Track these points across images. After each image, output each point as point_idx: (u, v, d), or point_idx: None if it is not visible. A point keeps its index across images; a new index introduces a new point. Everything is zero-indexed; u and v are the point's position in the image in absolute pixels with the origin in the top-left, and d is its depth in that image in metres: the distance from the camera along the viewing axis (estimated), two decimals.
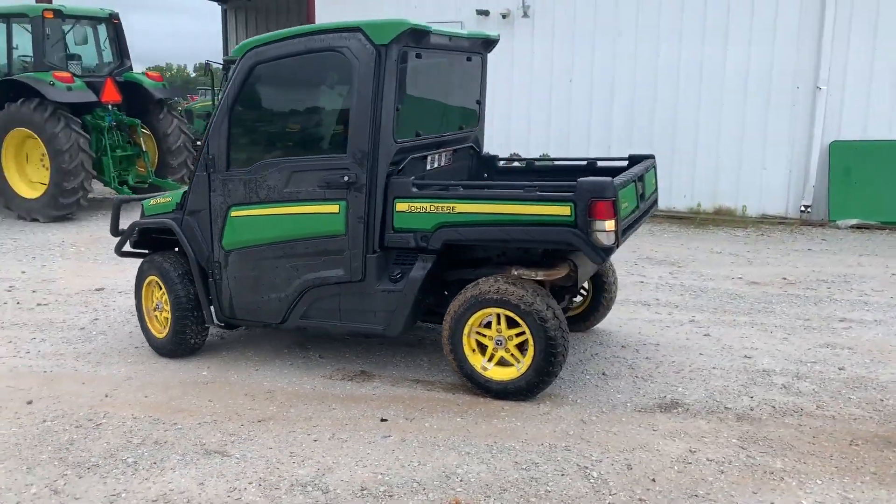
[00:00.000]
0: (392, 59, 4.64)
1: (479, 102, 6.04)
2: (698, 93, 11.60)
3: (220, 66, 18.04)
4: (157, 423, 4.53)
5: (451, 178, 5.69)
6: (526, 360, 4.68)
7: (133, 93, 12.11)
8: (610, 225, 4.39)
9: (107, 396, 4.95)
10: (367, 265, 4.84)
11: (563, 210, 4.43)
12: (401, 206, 4.79)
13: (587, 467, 3.93)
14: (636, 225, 5.09)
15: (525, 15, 12.66)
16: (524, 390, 4.71)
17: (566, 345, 4.66)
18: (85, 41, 12.07)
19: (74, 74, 11.38)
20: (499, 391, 4.76)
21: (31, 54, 11.30)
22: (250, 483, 3.83)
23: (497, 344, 4.76)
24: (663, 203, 11.93)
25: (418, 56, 4.98)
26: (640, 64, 11.97)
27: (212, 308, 5.40)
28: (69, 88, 10.94)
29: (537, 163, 6.37)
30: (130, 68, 12.48)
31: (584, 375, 5.19)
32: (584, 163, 5.90)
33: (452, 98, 5.81)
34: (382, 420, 4.52)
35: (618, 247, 4.49)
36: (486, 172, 6.15)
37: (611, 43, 12.09)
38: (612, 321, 6.37)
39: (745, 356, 5.57)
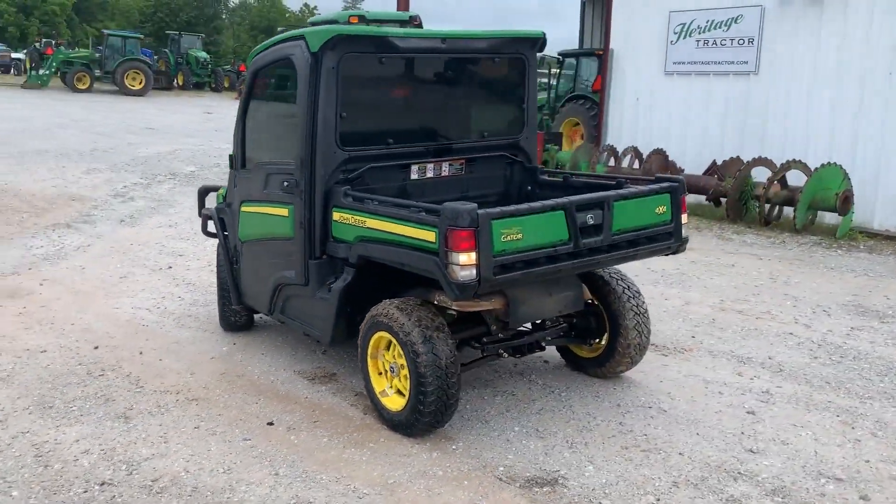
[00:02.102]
0: (327, 66, 4.61)
1: (522, 108, 5.51)
2: None
3: (556, 60, 18.49)
4: (132, 384, 5.26)
5: (467, 189, 5.36)
6: (408, 395, 4.33)
7: None
8: (466, 259, 3.84)
9: (140, 354, 5.85)
10: (308, 270, 4.91)
11: (430, 236, 3.99)
12: (336, 216, 4.75)
13: None
14: (583, 262, 4.27)
15: None
16: (404, 426, 4.37)
17: (444, 387, 4.18)
18: None
19: None
20: (388, 421, 4.50)
21: None
22: (101, 451, 4.32)
23: (391, 371, 4.48)
24: None
25: (381, 62, 4.82)
26: None
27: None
28: None
29: (574, 177, 5.56)
30: None
31: (516, 427, 4.56)
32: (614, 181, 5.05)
33: (467, 104, 5.42)
34: (269, 423, 4.62)
35: (481, 284, 3.88)
36: (529, 185, 5.60)
37: None
38: (661, 374, 5.34)
39: (750, 450, 4.29)
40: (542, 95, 19.44)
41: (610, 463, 4.13)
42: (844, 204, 9.93)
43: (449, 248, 3.86)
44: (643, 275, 7.96)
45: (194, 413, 4.79)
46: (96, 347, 5.99)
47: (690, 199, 11.96)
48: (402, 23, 13.65)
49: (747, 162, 10.98)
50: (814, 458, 4.20)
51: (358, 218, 4.55)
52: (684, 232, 4.79)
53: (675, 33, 12.77)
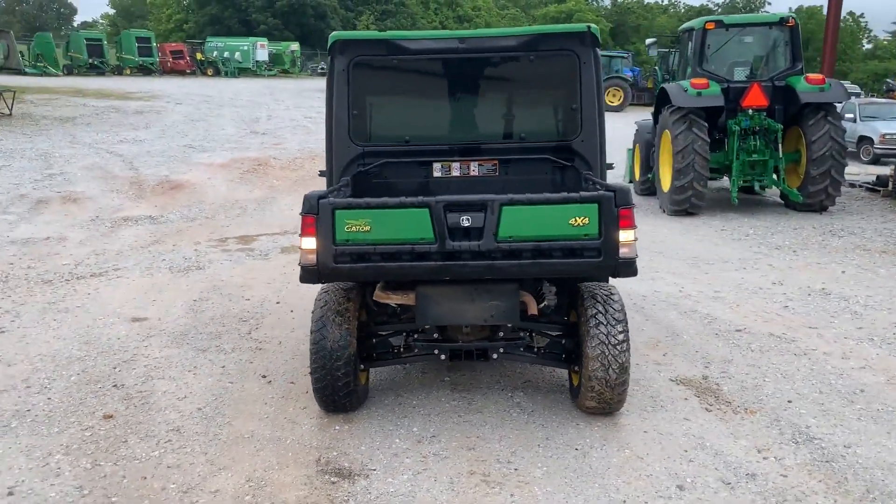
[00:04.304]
0: (338, 69, 5.08)
1: (573, 108, 5.09)
2: None
3: None
4: (248, 333, 6.44)
5: (501, 191, 5.25)
6: None
7: (791, 97, 11.79)
8: (308, 244, 4.07)
9: (291, 312, 7.03)
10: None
11: None
12: None
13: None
14: (462, 266, 4.02)
15: None
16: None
17: (329, 369, 4.43)
18: (755, 47, 12.34)
19: (726, 80, 11.98)
20: None
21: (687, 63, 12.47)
22: (155, 367, 5.60)
23: None
24: None
25: (394, 63, 5.07)
26: None
27: None
28: (699, 94, 11.70)
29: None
30: (801, 71, 12.01)
31: (415, 428, 4.48)
32: None
33: (500, 104, 5.21)
34: (263, 376, 5.34)
35: (321, 271, 4.05)
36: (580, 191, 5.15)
37: None
38: (663, 425, 4.50)
39: None
40: None
41: (430, 480, 3.89)
42: None
43: (300, 234, 4.12)
44: (842, 325, 6.22)
45: (240, 358, 5.76)
46: (278, 303, 7.37)
47: None
48: (773, 24, 12.49)
49: None
50: None
51: None
52: (625, 251, 4.01)
53: None
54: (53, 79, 36.31)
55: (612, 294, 4.53)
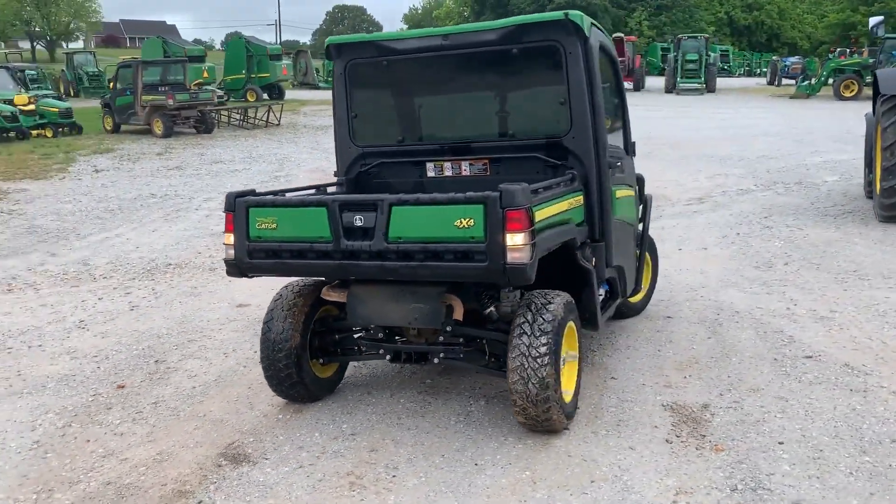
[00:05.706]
0: (337, 72, 5.25)
1: (562, 103, 4.72)
2: None
3: None
4: None
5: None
6: None
7: None
8: (227, 239, 4.33)
9: None
10: None
11: None
12: None
13: None
14: (357, 265, 4.01)
15: None
16: None
17: (272, 359, 4.62)
18: None
19: None
20: None
21: None
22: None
23: None
24: None
25: (385, 64, 5.09)
26: None
27: None
28: None
29: None
30: None
31: (345, 425, 4.48)
32: None
33: (487, 101, 4.97)
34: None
35: (238, 265, 4.27)
36: None
37: None
38: (597, 453, 4.06)
39: None
40: None
41: (303, 476, 3.91)
42: None
43: (224, 230, 4.38)
44: None
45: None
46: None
47: None
48: None
49: None
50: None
51: None
52: (515, 256, 3.66)
53: None
54: None
55: (548, 304, 4.15)
